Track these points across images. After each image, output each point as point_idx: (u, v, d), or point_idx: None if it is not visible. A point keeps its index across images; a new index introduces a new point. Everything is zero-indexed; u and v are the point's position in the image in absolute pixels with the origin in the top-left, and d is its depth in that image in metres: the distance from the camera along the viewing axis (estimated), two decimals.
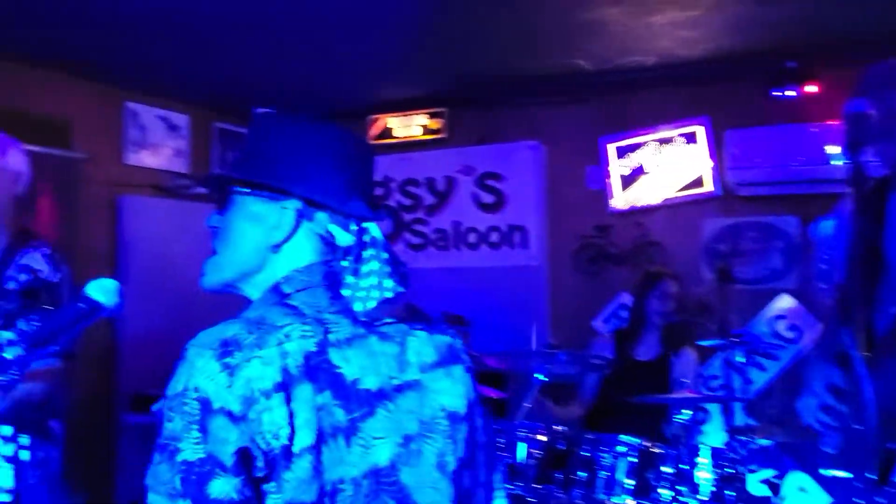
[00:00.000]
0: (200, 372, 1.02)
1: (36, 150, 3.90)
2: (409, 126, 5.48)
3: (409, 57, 4.36)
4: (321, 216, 1.19)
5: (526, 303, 5.01)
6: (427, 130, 5.44)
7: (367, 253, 1.18)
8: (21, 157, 2.54)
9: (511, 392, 4.08)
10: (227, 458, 1.00)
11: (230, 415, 1.01)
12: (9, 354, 1.15)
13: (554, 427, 2.96)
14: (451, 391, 1.22)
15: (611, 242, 5.01)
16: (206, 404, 1.01)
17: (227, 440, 1.01)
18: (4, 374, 1.13)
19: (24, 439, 2.41)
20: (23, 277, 2.39)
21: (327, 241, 1.20)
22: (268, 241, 1.18)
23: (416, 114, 5.44)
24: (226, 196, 1.22)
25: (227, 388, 1.01)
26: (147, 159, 5.03)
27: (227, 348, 1.04)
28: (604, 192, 5.04)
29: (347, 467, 1.07)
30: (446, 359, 1.24)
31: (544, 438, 2.93)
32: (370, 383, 1.12)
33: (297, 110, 1.27)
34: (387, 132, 5.54)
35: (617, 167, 5.00)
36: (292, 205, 1.18)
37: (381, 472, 1.10)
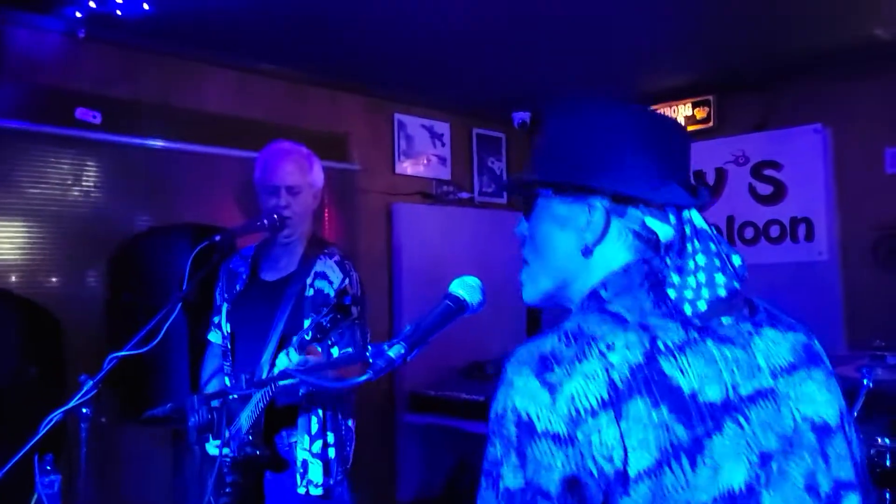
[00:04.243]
0: (520, 391, 0.94)
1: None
2: (672, 117, 5.22)
3: (676, 44, 4.10)
4: (634, 210, 1.07)
5: (814, 303, 4.58)
6: (692, 120, 5.17)
7: (691, 246, 1.03)
8: (321, 172, 2.66)
9: None
10: (553, 486, 0.91)
11: (556, 437, 0.92)
12: (392, 353, 1.15)
13: (879, 441, 2.61)
14: (815, 398, 1.05)
15: None
16: (528, 427, 0.93)
17: (553, 466, 0.91)
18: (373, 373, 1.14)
19: (330, 437, 2.51)
20: (319, 284, 2.50)
21: (645, 238, 1.07)
22: (579, 244, 1.08)
23: (680, 103, 5.21)
24: (530, 201, 1.14)
25: (549, 407, 0.92)
26: (415, 168, 5.23)
27: (545, 364, 0.94)
28: None
29: (695, 492, 0.92)
30: (804, 360, 1.07)
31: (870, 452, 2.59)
32: (713, 394, 0.97)
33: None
34: None
35: None
36: (600, 202, 1.07)
37: (736, 497, 0.94)
